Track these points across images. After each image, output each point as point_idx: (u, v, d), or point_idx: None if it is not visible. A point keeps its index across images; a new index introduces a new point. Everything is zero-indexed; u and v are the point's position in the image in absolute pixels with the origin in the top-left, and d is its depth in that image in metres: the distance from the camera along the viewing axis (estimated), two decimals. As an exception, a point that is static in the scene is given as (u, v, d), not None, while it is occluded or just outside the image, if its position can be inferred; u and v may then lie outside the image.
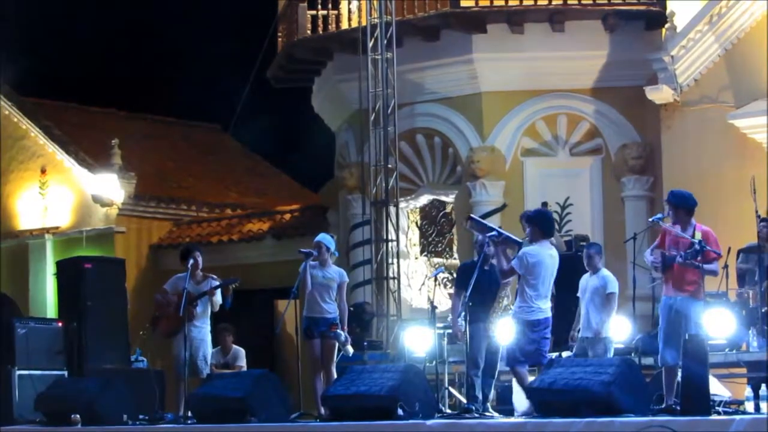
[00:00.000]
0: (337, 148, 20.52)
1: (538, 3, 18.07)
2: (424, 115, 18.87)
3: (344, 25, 19.48)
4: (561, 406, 10.11)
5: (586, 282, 12.65)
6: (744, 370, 12.89)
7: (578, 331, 12.62)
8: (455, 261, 18.29)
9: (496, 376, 12.32)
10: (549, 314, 11.51)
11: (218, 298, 13.48)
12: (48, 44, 27.51)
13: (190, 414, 12.85)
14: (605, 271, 12.74)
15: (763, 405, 10.21)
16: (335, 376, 12.65)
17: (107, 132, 22.98)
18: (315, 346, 12.77)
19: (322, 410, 12.11)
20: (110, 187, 21.94)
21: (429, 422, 10.67)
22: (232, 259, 21.18)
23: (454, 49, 18.40)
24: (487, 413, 11.71)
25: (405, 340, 14.87)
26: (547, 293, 11.53)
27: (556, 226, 16.67)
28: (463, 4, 18.24)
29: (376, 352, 16.19)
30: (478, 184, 18.12)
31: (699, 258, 10.62)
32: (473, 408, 11.61)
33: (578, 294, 12.66)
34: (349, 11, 19.51)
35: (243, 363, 15.74)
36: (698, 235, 10.74)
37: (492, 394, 12.41)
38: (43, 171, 22.74)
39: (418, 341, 14.33)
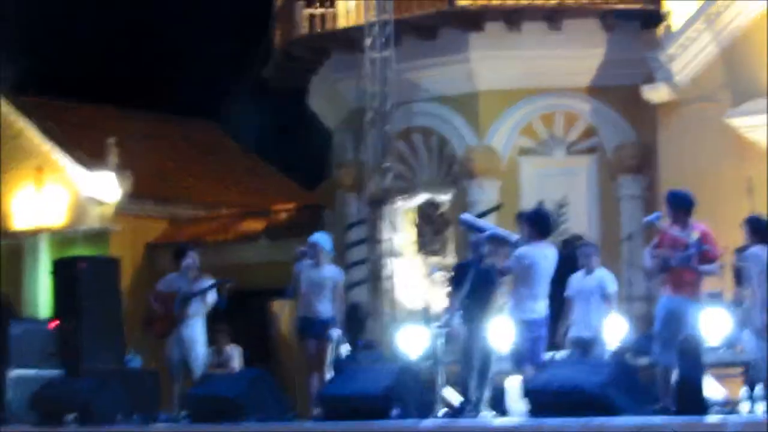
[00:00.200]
0: (334, 147, 20.52)
1: (536, 2, 18.08)
2: (420, 113, 18.88)
3: (341, 24, 19.48)
4: (556, 406, 10.08)
5: (580, 281, 12.62)
6: (740, 370, 12.87)
7: (566, 332, 12.59)
8: (451, 260, 18.25)
9: (490, 377, 12.28)
10: (544, 314, 11.46)
11: (211, 297, 13.44)
12: (46, 43, 27.49)
13: (184, 414, 12.82)
14: (603, 271, 12.72)
15: (758, 406, 10.19)
16: (330, 376, 12.61)
17: (104, 131, 22.96)
18: (310, 346, 12.74)
19: (317, 410, 12.08)
20: (106, 186, 21.91)
21: (423, 423, 10.65)
22: (228, 259, 21.12)
23: (451, 48, 18.42)
24: (481, 414, 11.68)
25: (400, 341, 14.84)
26: (543, 294, 11.48)
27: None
28: (460, 3, 18.26)
29: (370, 353, 16.15)
30: (474, 183, 18.13)
31: (696, 259, 10.58)
32: (468, 409, 11.58)
33: (567, 294, 12.62)
34: (347, 10, 19.49)
35: (238, 363, 15.71)
36: (696, 235, 10.70)
37: (486, 395, 12.38)
38: (38, 170, 22.71)
39: (413, 341, 14.32)
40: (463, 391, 11.94)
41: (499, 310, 12.15)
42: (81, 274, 15.60)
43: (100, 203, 22.05)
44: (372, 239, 18.43)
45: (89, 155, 22.50)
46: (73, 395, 13.37)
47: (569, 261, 13.40)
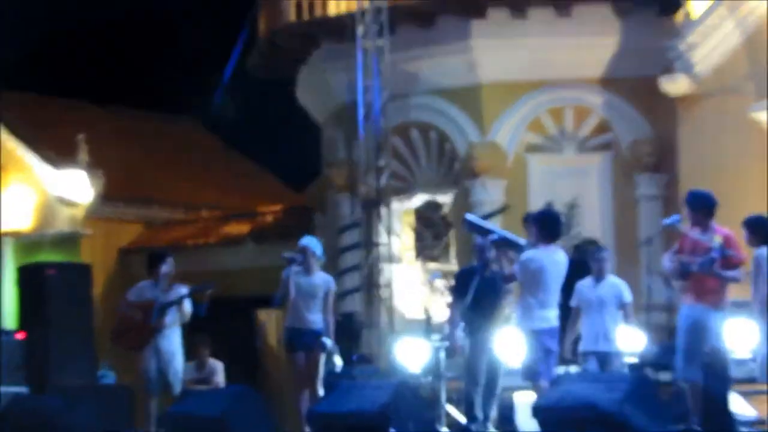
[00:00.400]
0: (324, 143, 20.54)
1: (543, -14, 18.09)
2: (418, 108, 18.91)
3: (332, 10, 19.48)
4: (569, 424, 10.04)
5: (591, 290, 12.57)
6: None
7: (574, 344, 12.56)
8: (453, 266, 18.27)
9: (498, 393, 12.24)
10: (555, 324, 11.38)
11: (188, 307, 13.34)
12: (10, 33, 27.45)
13: (162, 434, 12.77)
14: (615, 278, 12.71)
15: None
16: (321, 392, 12.57)
17: (74, 126, 22.93)
18: (299, 359, 12.70)
19: (308, 429, 12.03)
20: (76, 187, 21.89)
21: (424, 443, 10.62)
22: (209, 265, 21.13)
23: (451, 37, 18.44)
24: (487, 433, 11.66)
25: (398, 354, 14.83)
26: (553, 302, 11.42)
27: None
28: (461, -13, 18.26)
29: (366, 367, 16.15)
30: (478, 182, 18.15)
31: (719, 264, 10.53)
32: (473, 428, 11.55)
33: (573, 303, 12.57)
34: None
35: (221, 378, 15.68)
36: (719, 239, 10.65)
37: (494, 413, 12.34)
38: (2, 168, 22.65)
39: (412, 355, 14.33)
40: (468, 408, 11.91)
41: (505, 320, 12.12)
42: (49, 281, 15.64)
43: (70, 205, 22.05)
44: (366, 244, 18.44)
45: (58, 153, 22.46)
46: (39, 414, 13.26)
47: (581, 267, 13.36)
